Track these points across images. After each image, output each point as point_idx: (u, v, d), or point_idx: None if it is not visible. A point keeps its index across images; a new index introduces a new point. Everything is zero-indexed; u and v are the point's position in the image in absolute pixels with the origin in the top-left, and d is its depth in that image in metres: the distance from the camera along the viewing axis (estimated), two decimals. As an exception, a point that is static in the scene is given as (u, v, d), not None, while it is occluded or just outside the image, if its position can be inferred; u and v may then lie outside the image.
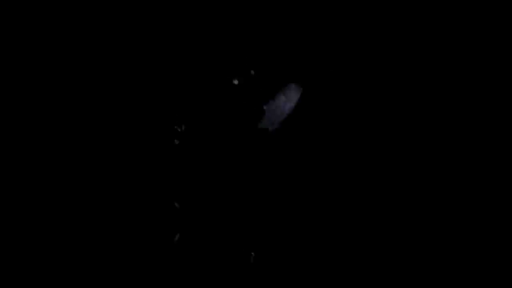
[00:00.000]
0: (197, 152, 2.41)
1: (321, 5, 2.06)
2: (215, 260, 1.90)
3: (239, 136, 2.33)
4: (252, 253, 1.87)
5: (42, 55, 1.50)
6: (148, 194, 2.12)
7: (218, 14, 2.85)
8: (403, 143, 1.83)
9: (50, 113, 1.54)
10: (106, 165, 1.77)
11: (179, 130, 2.82)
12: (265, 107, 2.45)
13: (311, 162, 1.97)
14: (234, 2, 2.70)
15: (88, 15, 1.67)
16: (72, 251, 1.47)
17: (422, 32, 1.85)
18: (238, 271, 1.87)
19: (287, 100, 2.34)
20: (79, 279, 1.48)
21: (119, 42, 1.93)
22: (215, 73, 2.63)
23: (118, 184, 1.83)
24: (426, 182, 1.78)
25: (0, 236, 1.32)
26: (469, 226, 1.66)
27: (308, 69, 2.17)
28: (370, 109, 1.91)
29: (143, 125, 2.27)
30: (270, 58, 2.53)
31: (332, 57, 2.04)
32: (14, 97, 1.39)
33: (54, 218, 1.49)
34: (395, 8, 1.88)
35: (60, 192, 1.52)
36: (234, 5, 2.75)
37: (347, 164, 1.90)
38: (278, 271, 1.77)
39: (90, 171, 1.64)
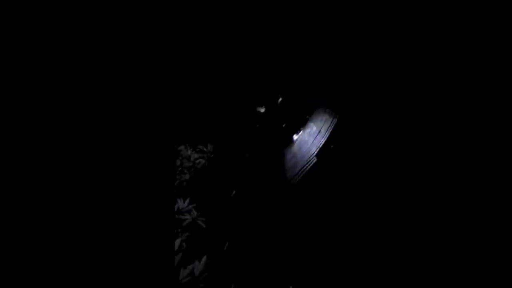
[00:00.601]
0: (221, 173, 2.43)
1: (355, 37, 2.09)
2: None
3: (265, 166, 2.33)
4: (291, 287, 1.81)
5: (46, 55, 1.50)
6: (170, 213, 2.10)
7: (248, 45, 2.97)
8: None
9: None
10: (131, 183, 1.76)
11: (205, 149, 2.86)
12: (295, 137, 2.42)
13: (349, 201, 1.91)
14: (265, 34, 2.82)
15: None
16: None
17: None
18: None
19: (318, 132, 2.28)
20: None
21: (151, 67, 1.98)
22: (245, 100, 2.69)
23: (142, 202, 1.83)
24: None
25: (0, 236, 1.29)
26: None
27: (341, 98, 2.14)
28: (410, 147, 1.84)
29: (169, 144, 2.30)
30: (300, 87, 2.58)
31: (368, 89, 2.00)
32: (14, 97, 1.39)
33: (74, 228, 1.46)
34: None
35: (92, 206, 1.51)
36: (265, 36, 2.87)
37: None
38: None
39: (114, 192, 1.63)
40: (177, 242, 2.07)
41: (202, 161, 2.77)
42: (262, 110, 2.45)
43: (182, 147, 2.75)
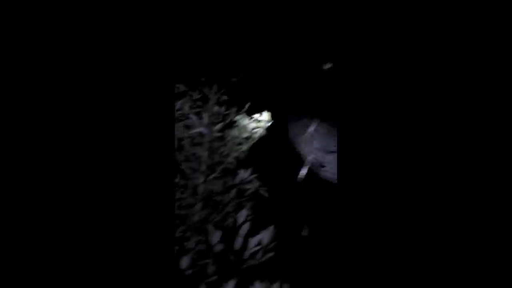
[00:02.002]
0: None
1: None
2: None
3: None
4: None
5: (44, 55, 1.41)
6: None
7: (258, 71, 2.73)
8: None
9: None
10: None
11: (260, 118, 2.78)
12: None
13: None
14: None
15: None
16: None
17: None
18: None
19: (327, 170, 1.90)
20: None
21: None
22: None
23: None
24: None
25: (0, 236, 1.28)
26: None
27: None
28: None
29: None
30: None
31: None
32: (14, 97, 1.34)
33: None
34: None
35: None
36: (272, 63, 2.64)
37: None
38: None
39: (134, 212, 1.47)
40: (243, 213, 2.09)
41: (260, 130, 2.71)
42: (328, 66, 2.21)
43: (239, 117, 2.71)
